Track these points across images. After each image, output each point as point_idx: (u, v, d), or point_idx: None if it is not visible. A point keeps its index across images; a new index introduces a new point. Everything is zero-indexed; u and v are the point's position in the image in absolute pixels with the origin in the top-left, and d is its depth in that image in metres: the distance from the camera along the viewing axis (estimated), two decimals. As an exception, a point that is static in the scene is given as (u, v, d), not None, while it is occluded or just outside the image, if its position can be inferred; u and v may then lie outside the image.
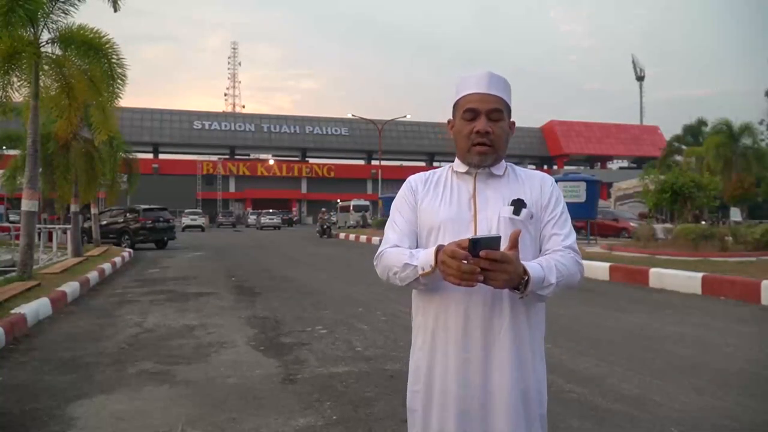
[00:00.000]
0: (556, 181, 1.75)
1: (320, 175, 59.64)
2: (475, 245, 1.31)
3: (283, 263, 14.10)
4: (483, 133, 1.55)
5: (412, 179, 1.70)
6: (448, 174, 1.67)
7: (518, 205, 1.55)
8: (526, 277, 1.39)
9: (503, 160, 1.65)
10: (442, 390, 1.52)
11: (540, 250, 1.59)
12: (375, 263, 1.63)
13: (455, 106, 1.63)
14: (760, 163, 28.51)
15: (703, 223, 16.59)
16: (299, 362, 4.72)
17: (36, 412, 3.58)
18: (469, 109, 1.57)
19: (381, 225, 26.99)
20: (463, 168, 1.63)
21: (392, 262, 1.54)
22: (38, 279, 8.74)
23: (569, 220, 1.63)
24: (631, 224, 21.11)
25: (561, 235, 1.58)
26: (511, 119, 1.65)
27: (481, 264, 1.31)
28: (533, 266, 1.43)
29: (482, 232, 1.52)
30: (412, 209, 1.64)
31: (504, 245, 1.40)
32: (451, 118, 1.66)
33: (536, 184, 1.62)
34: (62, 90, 9.77)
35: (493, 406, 1.49)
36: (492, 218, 1.55)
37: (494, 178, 1.62)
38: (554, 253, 1.54)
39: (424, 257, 1.46)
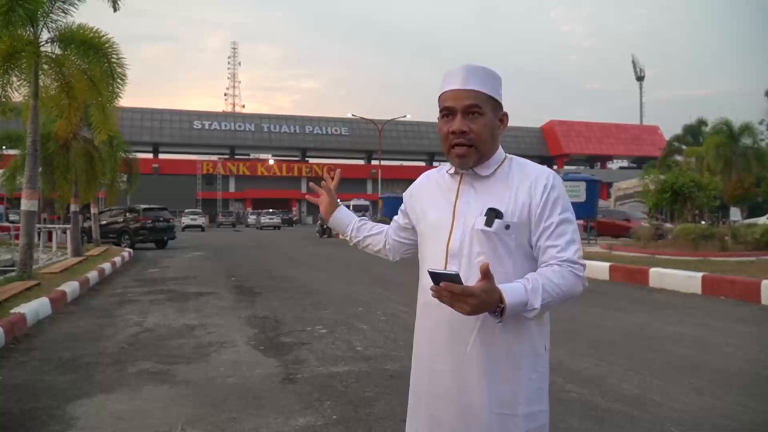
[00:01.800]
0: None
1: (320, 175, 58.82)
2: (435, 278, 1.30)
3: (283, 263, 14.10)
4: (459, 133, 1.45)
5: (412, 187, 1.73)
6: (443, 175, 1.62)
7: (491, 215, 1.44)
8: (503, 305, 1.31)
9: (500, 154, 1.54)
10: (421, 396, 1.54)
11: (533, 258, 1.49)
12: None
13: (438, 104, 1.55)
14: (760, 163, 28.53)
15: (703, 223, 16.58)
16: (299, 362, 4.72)
17: (36, 412, 3.58)
18: (444, 107, 1.49)
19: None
20: (452, 168, 1.56)
21: None
22: (38, 279, 8.74)
23: (571, 227, 1.45)
24: (643, 224, 21.07)
25: (557, 246, 1.42)
26: (503, 112, 1.53)
27: (443, 293, 1.29)
28: (515, 289, 1.34)
29: (454, 241, 1.48)
30: (405, 216, 1.76)
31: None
32: None
33: (526, 188, 1.46)
34: (62, 89, 9.76)
35: (467, 420, 1.45)
36: (467, 227, 1.47)
37: (481, 179, 1.51)
38: (548, 268, 1.41)
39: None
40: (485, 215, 1.45)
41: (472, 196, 1.50)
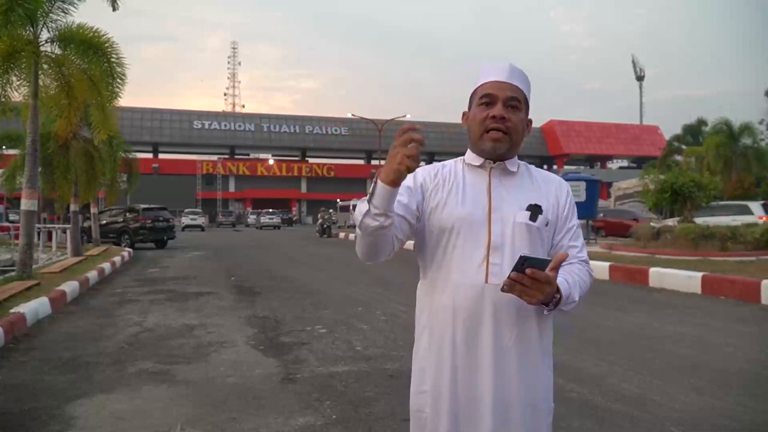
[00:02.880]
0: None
1: (320, 175, 59.63)
2: (524, 262, 1.31)
3: (283, 263, 14.10)
4: (499, 118, 1.48)
5: (419, 172, 1.55)
6: (460, 167, 1.57)
7: (535, 210, 1.50)
8: (558, 296, 1.41)
9: (516, 157, 1.58)
10: (451, 393, 1.48)
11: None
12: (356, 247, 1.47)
13: (473, 95, 1.56)
14: (760, 163, 28.48)
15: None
16: (299, 362, 4.72)
17: (36, 412, 3.58)
18: (486, 95, 1.50)
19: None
20: (477, 161, 1.54)
21: (356, 217, 1.38)
22: (38, 278, 8.74)
23: (581, 232, 1.62)
24: (652, 223, 21.05)
25: (577, 247, 1.57)
26: (529, 117, 1.58)
27: (524, 280, 1.32)
28: (561, 283, 1.42)
29: (496, 235, 1.48)
30: (412, 194, 1.49)
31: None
32: (467, 110, 1.58)
33: (553, 190, 1.57)
34: (62, 89, 9.76)
35: (502, 415, 1.46)
36: (507, 221, 1.49)
37: (509, 175, 1.55)
38: (573, 266, 1.54)
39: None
40: (528, 210, 1.50)
41: (503, 191, 1.53)
